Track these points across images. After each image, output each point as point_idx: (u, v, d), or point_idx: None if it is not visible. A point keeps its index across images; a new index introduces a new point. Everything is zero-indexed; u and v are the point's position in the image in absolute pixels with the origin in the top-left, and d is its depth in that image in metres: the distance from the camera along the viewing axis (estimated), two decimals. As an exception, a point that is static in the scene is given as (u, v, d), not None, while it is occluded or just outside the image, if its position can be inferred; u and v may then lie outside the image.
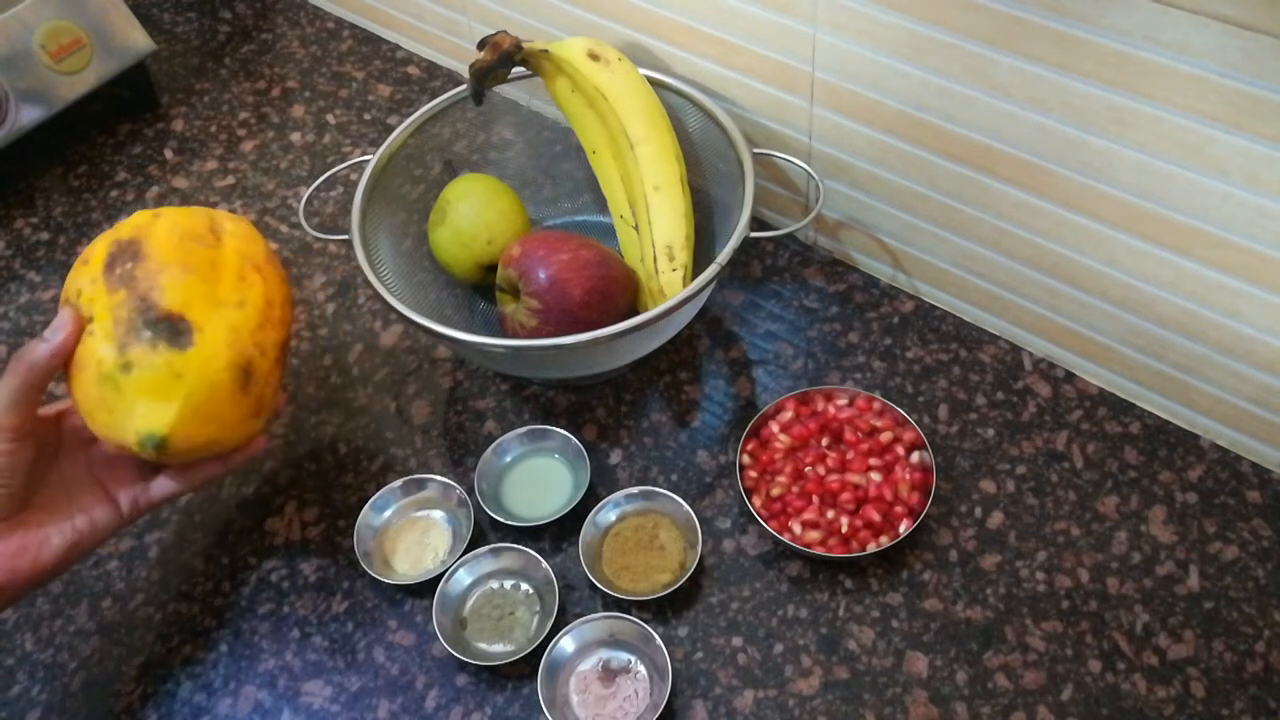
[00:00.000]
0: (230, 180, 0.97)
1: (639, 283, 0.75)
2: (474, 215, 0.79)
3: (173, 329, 0.59)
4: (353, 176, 0.93)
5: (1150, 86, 0.58)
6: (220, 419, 0.62)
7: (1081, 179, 0.65)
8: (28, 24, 0.91)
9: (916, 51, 0.66)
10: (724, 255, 0.69)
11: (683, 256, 0.75)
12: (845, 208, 0.81)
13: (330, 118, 1.02)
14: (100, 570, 0.73)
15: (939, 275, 0.79)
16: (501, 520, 0.70)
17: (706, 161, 0.80)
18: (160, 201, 0.95)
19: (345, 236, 0.76)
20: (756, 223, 0.88)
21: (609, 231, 0.82)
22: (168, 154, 1.00)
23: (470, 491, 0.72)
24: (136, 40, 0.97)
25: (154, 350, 0.59)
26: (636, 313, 0.69)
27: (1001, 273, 0.75)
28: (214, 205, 0.95)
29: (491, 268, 0.79)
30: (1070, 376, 0.77)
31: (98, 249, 0.63)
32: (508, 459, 0.75)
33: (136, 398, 0.59)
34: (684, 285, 0.73)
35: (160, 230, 0.63)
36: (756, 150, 0.77)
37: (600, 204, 0.85)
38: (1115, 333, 0.72)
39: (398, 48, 1.08)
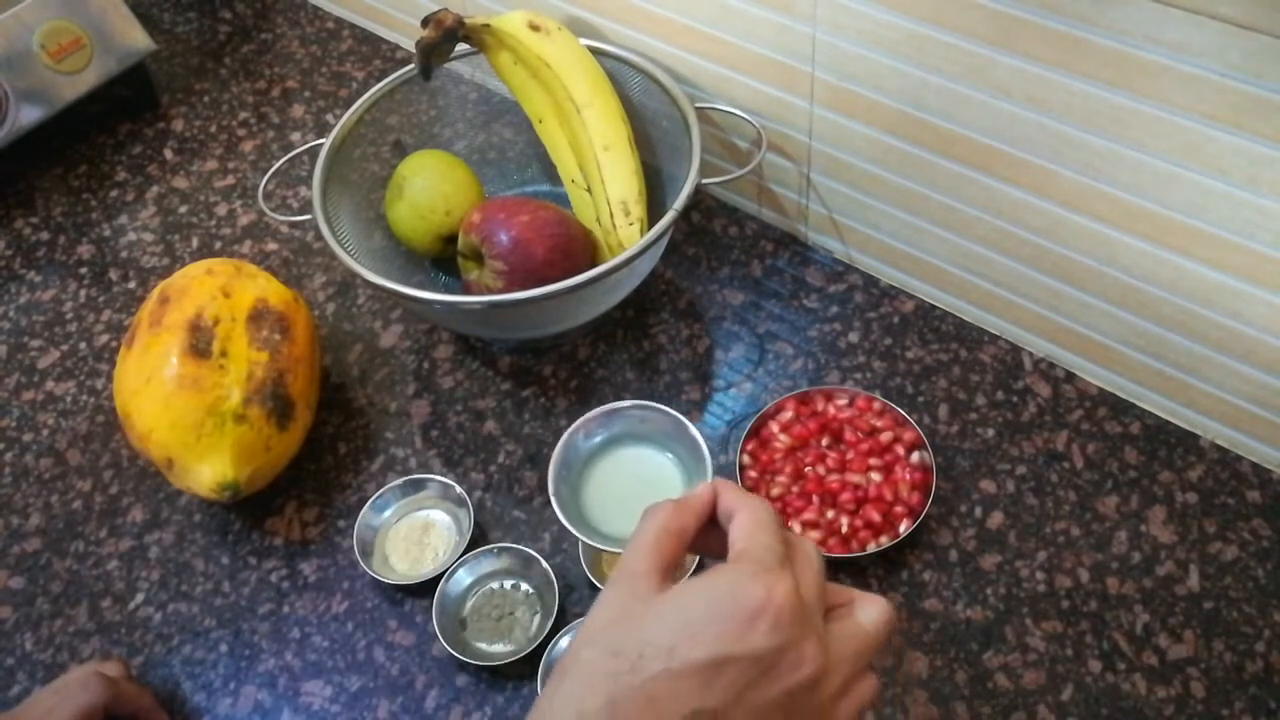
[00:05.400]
0: (230, 180, 0.97)
1: (597, 241, 0.78)
2: (430, 188, 0.81)
3: (285, 412, 0.71)
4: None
5: (1150, 86, 0.58)
6: (276, 465, 0.73)
7: (1081, 179, 0.65)
8: (28, 24, 0.91)
9: (916, 51, 0.66)
10: (680, 200, 0.72)
11: (638, 210, 0.77)
12: (846, 207, 0.81)
13: (330, 118, 1.02)
14: (100, 570, 0.73)
15: (939, 275, 0.79)
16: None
17: (652, 123, 0.82)
18: (161, 201, 0.95)
19: (307, 216, 0.77)
20: (762, 225, 0.89)
21: (560, 200, 0.83)
22: (167, 154, 1.00)
23: (471, 491, 0.72)
24: (136, 40, 0.97)
25: (266, 420, 0.70)
26: None
27: (1001, 273, 0.75)
28: (214, 205, 0.95)
29: (450, 239, 0.80)
30: (1070, 376, 0.77)
31: (240, 292, 0.72)
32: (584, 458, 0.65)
33: (229, 447, 0.69)
34: (641, 237, 0.74)
35: (302, 320, 0.75)
36: (699, 105, 0.79)
37: (548, 174, 0.87)
38: (1115, 333, 0.72)
39: (397, 47, 1.08)
